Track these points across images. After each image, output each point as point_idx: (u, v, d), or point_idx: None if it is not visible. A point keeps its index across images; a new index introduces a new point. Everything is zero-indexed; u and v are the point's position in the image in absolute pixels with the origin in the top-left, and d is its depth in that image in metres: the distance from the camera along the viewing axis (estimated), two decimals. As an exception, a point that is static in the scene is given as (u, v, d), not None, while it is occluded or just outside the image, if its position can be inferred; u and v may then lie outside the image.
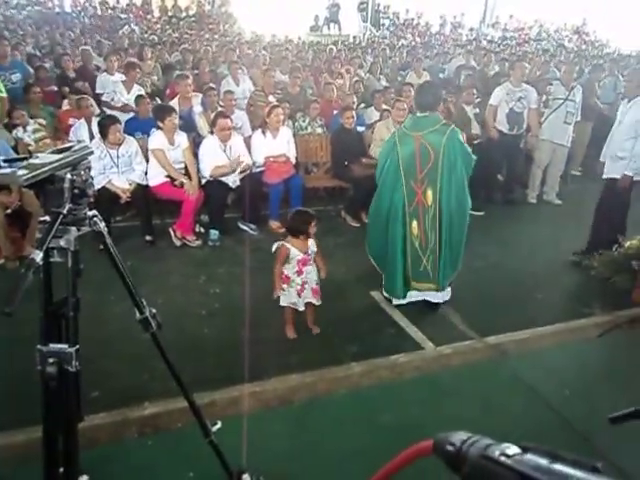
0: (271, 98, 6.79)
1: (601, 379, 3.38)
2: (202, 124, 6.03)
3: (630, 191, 4.69)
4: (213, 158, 5.25)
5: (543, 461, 0.54)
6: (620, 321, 3.88)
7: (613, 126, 4.87)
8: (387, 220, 3.86)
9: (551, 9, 21.46)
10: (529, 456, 0.55)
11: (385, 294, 4.11)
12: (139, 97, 6.06)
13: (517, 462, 0.55)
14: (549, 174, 6.78)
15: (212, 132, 5.38)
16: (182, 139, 5.29)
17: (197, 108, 6.16)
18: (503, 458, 0.56)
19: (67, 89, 6.61)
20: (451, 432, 0.63)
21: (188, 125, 5.98)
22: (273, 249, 3.42)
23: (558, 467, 0.53)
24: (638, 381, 3.23)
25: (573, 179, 7.60)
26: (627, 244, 4.57)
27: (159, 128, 5.17)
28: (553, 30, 21.85)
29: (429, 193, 3.73)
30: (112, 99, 6.55)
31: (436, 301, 4.01)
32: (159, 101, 6.78)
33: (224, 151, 5.30)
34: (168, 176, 5.17)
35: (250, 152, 5.53)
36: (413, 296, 4.00)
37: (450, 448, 0.61)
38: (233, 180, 5.32)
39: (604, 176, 4.84)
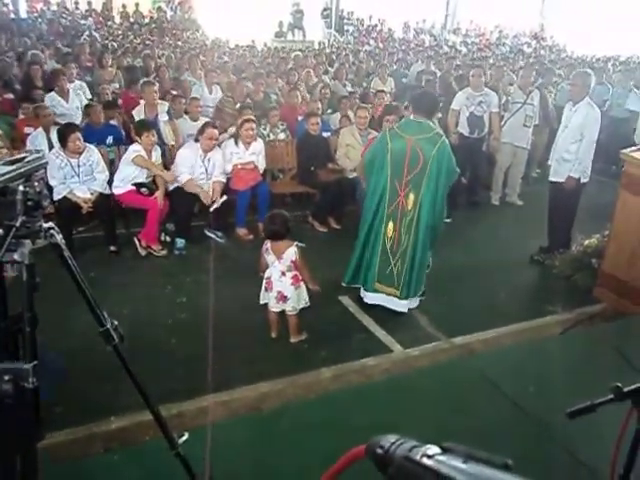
0: (238, 105, 6.76)
1: (563, 375, 3.47)
2: (167, 132, 5.95)
3: (579, 192, 4.82)
4: (190, 166, 5.19)
5: (458, 460, 0.57)
6: (581, 318, 4.00)
7: (559, 130, 5.00)
8: (373, 216, 3.90)
9: (510, 15, 22.06)
10: (446, 456, 0.59)
11: (361, 294, 4.14)
12: (89, 106, 5.91)
13: (435, 462, 0.58)
14: (510, 176, 6.96)
15: (197, 140, 5.30)
16: (157, 154, 5.26)
17: (163, 116, 6.08)
18: (424, 459, 0.59)
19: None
20: (383, 436, 0.66)
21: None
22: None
23: (471, 466, 0.56)
24: (598, 376, 3.33)
25: (533, 180, 7.80)
26: (586, 243, 4.72)
27: (126, 138, 5.12)
28: (512, 35, 22.45)
29: (411, 197, 3.77)
30: (53, 113, 6.12)
31: (400, 310, 4.03)
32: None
33: (203, 161, 5.24)
34: (135, 184, 5.09)
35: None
36: (378, 299, 4.03)
37: (379, 451, 0.64)
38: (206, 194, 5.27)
39: (550, 178, 4.99)
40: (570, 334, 3.83)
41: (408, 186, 3.76)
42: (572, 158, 4.69)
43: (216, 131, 5.29)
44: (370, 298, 4.07)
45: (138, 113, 6.05)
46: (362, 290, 4.14)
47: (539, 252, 5.08)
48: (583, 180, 4.76)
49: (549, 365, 3.62)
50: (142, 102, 6.20)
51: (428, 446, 0.60)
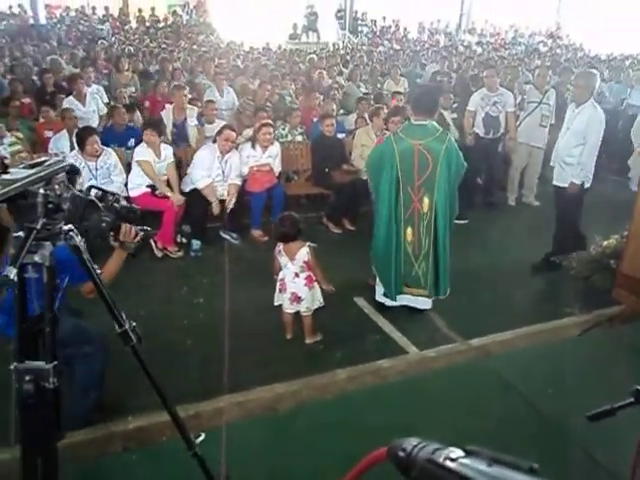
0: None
1: (582, 377, 3.43)
2: (193, 136, 6.03)
3: (581, 198, 4.64)
4: (207, 169, 5.21)
5: (483, 464, 0.57)
6: (599, 320, 3.95)
7: (561, 131, 4.83)
8: (387, 224, 3.87)
9: (526, 14, 21.85)
10: (470, 459, 0.58)
11: (379, 299, 4.11)
12: (113, 108, 5.99)
13: (459, 465, 0.58)
14: (527, 176, 6.89)
15: (214, 141, 5.32)
16: (168, 152, 5.27)
17: (192, 120, 6.13)
18: (447, 462, 0.58)
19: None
20: (405, 438, 0.65)
21: (181, 135, 5.98)
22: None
23: (496, 469, 0.56)
24: (617, 378, 3.28)
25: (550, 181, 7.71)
26: (604, 243, 4.66)
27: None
28: (528, 35, 22.24)
29: (426, 200, 3.76)
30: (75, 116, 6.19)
31: (422, 307, 4.03)
32: (139, 112, 6.75)
33: (220, 162, 5.27)
34: (149, 186, 5.14)
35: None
36: (404, 300, 4.03)
37: (401, 454, 0.64)
38: (220, 193, 5.30)
39: (553, 182, 4.83)
40: (588, 336, 3.78)
41: (421, 190, 3.74)
42: (574, 162, 4.52)
43: (234, 133, 5.31)
44: (397, 300, 4.03)
45: (167, 116, 6.09)
46: (379, 294, 4.11)
47: (548, 256, 4.95)
48: (586, 185, 4.58)
49: (567, 367, 3.58)
50: (170, 106, 6.22)
51: (451, 449, 0.60)
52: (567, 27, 22.97)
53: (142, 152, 5.11)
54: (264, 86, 7.24)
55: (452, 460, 0.58)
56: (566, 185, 4.60)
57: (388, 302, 4.06)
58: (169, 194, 5.07)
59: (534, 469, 0.55)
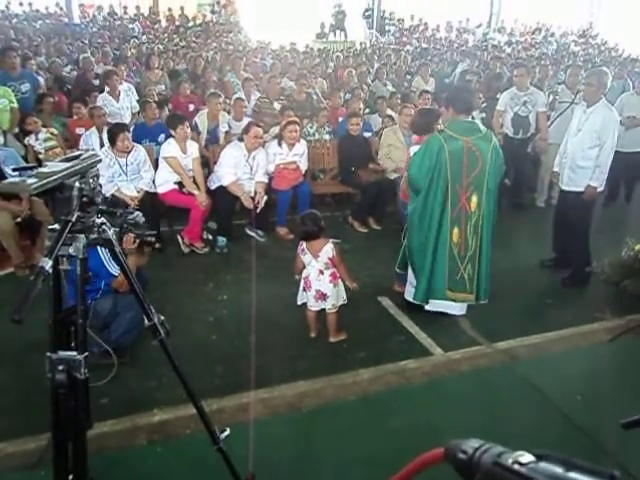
0: (276, 105, 6.83)
1: (613, 384, 3.34)
2: (222, 138, 6.13)
3: (595, 203, 4.47)
4: (233, 166, 5.25)
5: (558, 469, 0.52)
6: (631, 325, 3.84)
7: (568, 134, 4.60)
8: (429, 224, 3.71)
9: (557, 13, 21.42)
10: (544, 464, 0.54)
11: (411, 299, 3.93)
12: (145, 102, 6.08)
13: (531, 470, 0.53)
14: (557, 178, 6.74)
15: (241, 139, 5.35)
16: (194, 149, 5.32)
17: (223, 126, 6.18)
18: (517, 466, 0.54)
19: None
20: (463, 439, 0.63)
21: (212, 141, 6.09)
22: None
23: (574, 476, 0.51)
24: (650, 386, 3.19)
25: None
26: (637, 247, 4.53)
27: (171, 136, 5.21)
28: (559, 34, 21.80)
29: (474, 199, 3.66)
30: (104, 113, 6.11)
31: (459, 313, 3.92)
32: (167, 110, 6.83)
33: (247, 160, 5.30)
34: (177, 183, 5.20)
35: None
36: (438, 306, 3.88)
37: (462, 456, 0.60)
38: (248, 191, 5.34)
39: (563, 187, 4.60)
40: (619, 341, 3.68)
41: (469, 188, 3.63)
42: (590, 165, 4.29)
43: (261, 130, 5.33)
44: (431, 305, 3.89)
45: (201, 122, 6.14)
46: (409, 294, 3.98)
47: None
48: (600, 189, 4.41)
49: (597, 373, 3.50)
50: (204, 110, 6.28)
51: (520, 452, 0.56)
52: (599, 26, 22.43)
53: (168, 149, 5.17)
54: (274, 80, 7.23)
55: (521, 465, 0.54)
56: (580, 189, 4.38)
57: (428, 306, 3.90)
58: (195, 192, 5.12)
59: (615, 476, 0.51)
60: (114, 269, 3.20)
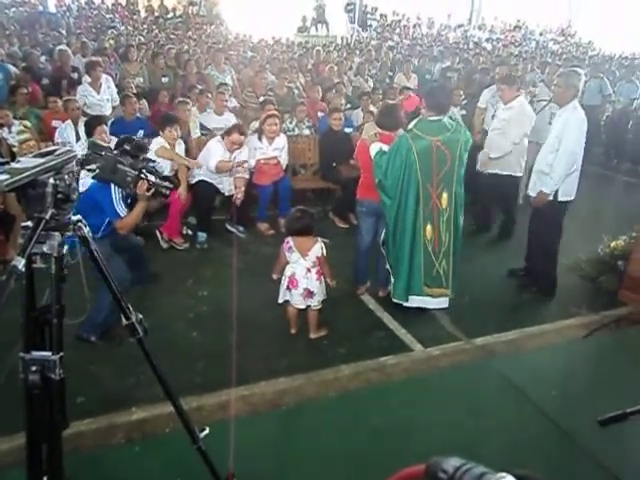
0: (261, 99, 6.77)
1: (588, 379, 3.41)
2: (193, 146, 6.01)
3: (560, 215, 4.15)
4: (219, 158, 5.17)
5: None
6: (606, 321, 3.92)
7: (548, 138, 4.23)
8: (404, 223, 3.74)
9: (536, 11, 21.65)
10: None
11: (395, 299, 3.95)
12: (126, 97, 5.95)
13: None
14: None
15: (223, 137, 5.27)
16: (181, 148, 5.27)
17: (194, 133, 6.05)
18: None
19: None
20: (444, 457, 0.62)
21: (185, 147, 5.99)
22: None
23: None
24: (624, 381, 3.26)
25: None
26: (612, 244, 4.62)
27: (153, 134, 5.13)
28: (538, 32, 22.04)
29: (444, 196, 3.70)
30: (84, 104, 6.06)
31: (441, 306, 3.94)
32: (146, 103, 6.72)
33: (229, 158, 5.24)
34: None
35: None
36: (417, 302, 3.91)
37: (442, 475, 0.60)
38: (229, 189, 5.28)
39: (529, 192, 4.35)
40: (594, 337, 3.75)
41: (440, 186, 3.68)
42: (549, 171, 4.00)
43: (242, 137, 5.22)
44: (410, 301, 3.91)
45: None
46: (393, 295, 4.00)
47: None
48: (564, 198, 4.05)
49: (573, 369, 3.57)
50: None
51: (502, 474, 0.55)
52: (578, 25, 22.74)
53: (158, 140, 5.06)
54: (260, 75, 7.18)
55: None
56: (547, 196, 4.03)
57: (408, 302, 3.93)
58: (187, 163, 5.08)
59: None
60: (121, 209, 3.30)
